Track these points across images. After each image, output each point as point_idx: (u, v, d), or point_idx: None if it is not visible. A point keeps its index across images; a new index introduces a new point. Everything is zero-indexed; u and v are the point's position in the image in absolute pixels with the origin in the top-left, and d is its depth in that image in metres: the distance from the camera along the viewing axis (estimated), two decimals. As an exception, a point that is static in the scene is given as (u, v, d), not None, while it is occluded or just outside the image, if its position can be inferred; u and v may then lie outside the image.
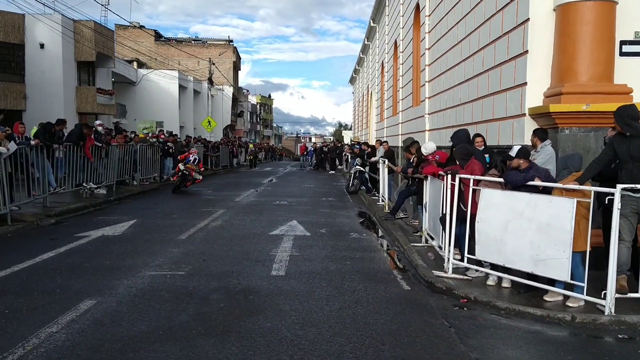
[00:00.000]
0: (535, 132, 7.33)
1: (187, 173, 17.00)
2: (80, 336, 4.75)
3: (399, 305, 5.87)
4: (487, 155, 7.82)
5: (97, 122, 17.32)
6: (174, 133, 26.92)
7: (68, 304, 5.59)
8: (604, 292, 5.47)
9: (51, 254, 7.92)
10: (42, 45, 25.61)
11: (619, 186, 5.41)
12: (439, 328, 5.19)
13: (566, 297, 5.85)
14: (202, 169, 18.60)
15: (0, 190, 9.84)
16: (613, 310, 5.43)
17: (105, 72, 30.68)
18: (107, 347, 4.51)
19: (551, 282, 5.92)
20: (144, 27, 51.21)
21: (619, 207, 5.36)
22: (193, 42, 58.43)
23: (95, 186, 14.42)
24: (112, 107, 30.77)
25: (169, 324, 5.08)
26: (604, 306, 5.47)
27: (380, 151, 16.28)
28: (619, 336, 5.12)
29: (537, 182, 6.03)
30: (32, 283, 6.42)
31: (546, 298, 5.96)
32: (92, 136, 14.22)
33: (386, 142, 18.70)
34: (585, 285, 5.58)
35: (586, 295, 5.60)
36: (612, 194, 5.38)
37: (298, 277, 6.89)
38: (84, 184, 13.87)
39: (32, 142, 11.51)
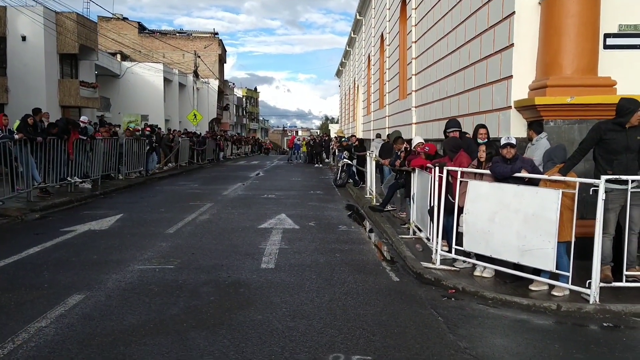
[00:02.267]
0: (530, 125, 7.41)
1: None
2: (70, 330, 4.74)
3: (389, 296, 5.93)
4: None
5: (83, 117, 17.12)
6: (158, 127, 26.70)
7: (56, 299, 5.56)
8: (588, 281, 5.57)
9: (37, 249, 7.86)
10: (23, 38, 25.24)
11: (603, 177, 5.51)
12: (428, 318, 5.25)
13: (551, 287, 5.94)
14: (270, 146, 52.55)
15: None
16: (598, 299, 5.53)
17: (88, 64, 30.31)
18: (98, 341, 4.50)
19: (537, 272, 6.01)
20: (127, 19, 50.68)
21: (604, 198, 5.45)
22: (178, 34, 57.91)
23: (80, 180, 14.29)
24: (95, 101, 30.43)
25: (159, 318, 5.08)
26: (588, 295, 5.57)
27: (376, 142, 15.98)
28: (604, 324, 5.22)
29: (524, 174, 6.11)
30: (19, 278, 6.37)
31: (532, 288, 6.05)
32: (77, 130, 14.07)
33: (380, 134, 18.78)
34: (570, 274, 5.67)
35: (571, 284, 5.70)
36: (597, 185, 5.48)
37: (288, 269, 6.92)
38: (69, 178, 13.73)
39: (16, 136, 11.35)
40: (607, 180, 5.52)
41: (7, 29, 24.86)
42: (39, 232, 9.06)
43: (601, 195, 5.44)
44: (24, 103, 22.95)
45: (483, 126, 7.94)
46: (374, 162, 13.80)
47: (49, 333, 4.66)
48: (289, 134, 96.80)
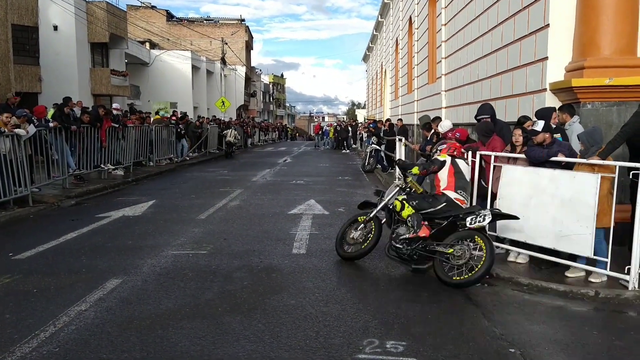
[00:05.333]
0: (562, 108, 7.13)
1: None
2: (109, 314, 4.85)
3: (421, 282, 5.89)
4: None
5: (115, 105, 17.43)
6: (186, 114, 26.92)
7: (95, 283, 5.69)
8: (627, 267, 5.43)
9: (74, 234, 8.05)
10: (55, 27, 25.67)
11: (644, 161, 5.34)
12: (462, 304, 5.21)
13: (588, 273, 5.83)
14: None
15: (21, 172, 9.98)
16: (637, 286, 5.40)
17: (118, 53, 30.70)
18: (136, 325, 4.60)
19: (572, 258, 5.90)
20: (155, 7, 50.96)
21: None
22: (205, 21, 58.20)
23: (113, 167, 14.57)
24: (126, 89, 30.87)
25: (194, 302, 5.16)
26: (627, 281, 5.44)
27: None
28: (644, 311, 5.11)
29: (560, 158, 5.96)
30: (58, 263, 6.55)
31: (568, 274, 5.93)
32: (110, 118, 14.32)
33: (400, 119, 18.67)
34: (608, 260, 5.54)
35: (609, 270, 5.57)
36: (638, 169, 5.32)
37: (319, 255, 6.94)
38: (102, 165, 14.00)
39: (51, 125, 11.61)
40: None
41: (39, 19, 25.26)
42: (75, 218, 9.28)
43: (642, 180, 5.28)
44: (57, 92, 23.35)
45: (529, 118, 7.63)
46: (403, 148, 13.69)
47: (88, 316, 4.78)
48: (316, 120, 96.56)
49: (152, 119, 19.85)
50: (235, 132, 26.04)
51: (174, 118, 21.69)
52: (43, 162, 11.39)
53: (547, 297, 5.46)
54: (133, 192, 12.79)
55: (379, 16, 36.21)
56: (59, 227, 8.52)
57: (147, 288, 5.58)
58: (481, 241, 5.57)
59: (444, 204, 6.03)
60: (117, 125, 14.75)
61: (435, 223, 5.98)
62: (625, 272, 5.45)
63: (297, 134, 71.50)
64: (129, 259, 6.69)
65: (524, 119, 7.56)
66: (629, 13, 7.42)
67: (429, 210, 6.01)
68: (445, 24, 15.40)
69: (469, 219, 5.65)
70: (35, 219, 9.47)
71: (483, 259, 5.46)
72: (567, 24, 7.85)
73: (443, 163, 6.24)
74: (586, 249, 5.58)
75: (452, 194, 6.08)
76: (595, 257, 5.61)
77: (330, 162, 23.13)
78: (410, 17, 22.65)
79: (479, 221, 5.61)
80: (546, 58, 8.08)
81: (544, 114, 6.95)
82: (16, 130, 9.84)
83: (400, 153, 13.90)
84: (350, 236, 6.64)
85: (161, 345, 4.19)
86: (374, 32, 41.10)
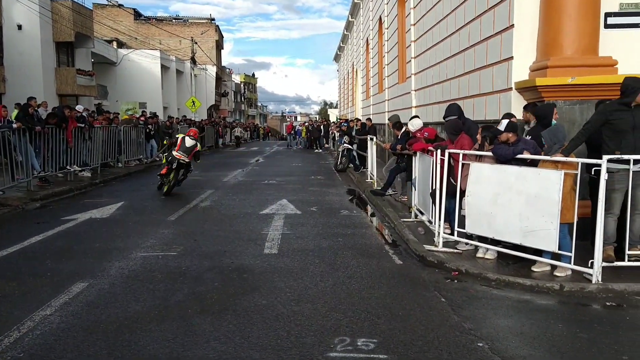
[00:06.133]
0: (527, 107, 7.27)
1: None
2: (75, 318, 4.75)
3: (392, 279, 5.95)
4: None
5: (78, 106, 17.05)
6: (156, 114, 26.51)
7: (60, 287, 5.56)
8: (591, 261, 5.57)
9: (39, 238, 7.86)
10: (19, 27, 25.07)
11: (605, 157, 5.49)
12: (432, 300, 5.27)
13: (554, 267, 5.96)
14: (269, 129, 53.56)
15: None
16: (600, 279, 5.55)
17: (84, 52, 30.12)
18: (103, 328, 4.51)
19: (538, 253, 6.02)
20: (122, 5, 50.14)
21: (606, 178, 5.44)
22: (174, 20, 57.46)
23: (80, 169, 14.26)
24: (92, 89, 30.29)
25: (164, 304, 5.09)
26: (591, 275, 5.58)
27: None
28: (607, 303, 5.25)
29: (526, 156, 6.09)
30: (22, 267, 6.38)
31: (534, 269, 6.06)
32: (75, 118, 14.01)
33: (369, 119, 18.80)
34: (572, 255, 5.68)
35: (573, 264, 5.71)
36: (599, 165, 5.46)
37: (291, 254, 6.93)
38: (68, 167, 13.70)
39: (14, 126, 11.30)
40: (610, 160, 5.50)
41: (2, 18, 24.61)
42: (41, 221, 9.06)
43: (603, 175, 5.43)
44: (22, 92, 22.70)
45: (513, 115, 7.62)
46: (374, 147, 13.77)
47: (54, 321, 4.67)
48: (288, 119, 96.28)
49: (120, 119, 19.52)
50: (241, 129, 38.95)
51: (142, 118, 21.35)
52: (6, 164, 11.07)
53: (514, 292, 5.57)
54: (101, 193, 12.55)
55: (350, 16, 36.34)
56: (24, 231, 8.30)
57: (114, 291, 5.48)
58: (181, 172, 11.86)
59: (171, 157, 11.60)
60: (83, 125, 14.43)
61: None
62: (589, 266, 5.59)
63: (270, 134, 71.16)
64: (96, 262, 6.56)
65: (507, 116, 7.64)
66: (590, 14, 7.62)
67: (169, 160, 11.70)
68: (414, 24, 15.55)
69: (174, 164, 11.49)
70: (-1, 222, 9.21)
71: (177, 179, 11.83)
72: (532, 24, 8.01)
73: (177, 139, 11.98)
74: (551, 244, 5.72)
75: (175, 153, 11.50)
76: (560, 252, 5.75)
77: (302, 161, 23.13)
78: (380, 17, 22.80)
79: (174, 165, 11.48)
80: (511, 58, 8.24)
81: (544, 111, 6.78)
82: (-23, 131, 9.55)
83: (372, 152, 13.97)
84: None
85: (129, 349, 4.12)
86: (345, 32, 41.23)
